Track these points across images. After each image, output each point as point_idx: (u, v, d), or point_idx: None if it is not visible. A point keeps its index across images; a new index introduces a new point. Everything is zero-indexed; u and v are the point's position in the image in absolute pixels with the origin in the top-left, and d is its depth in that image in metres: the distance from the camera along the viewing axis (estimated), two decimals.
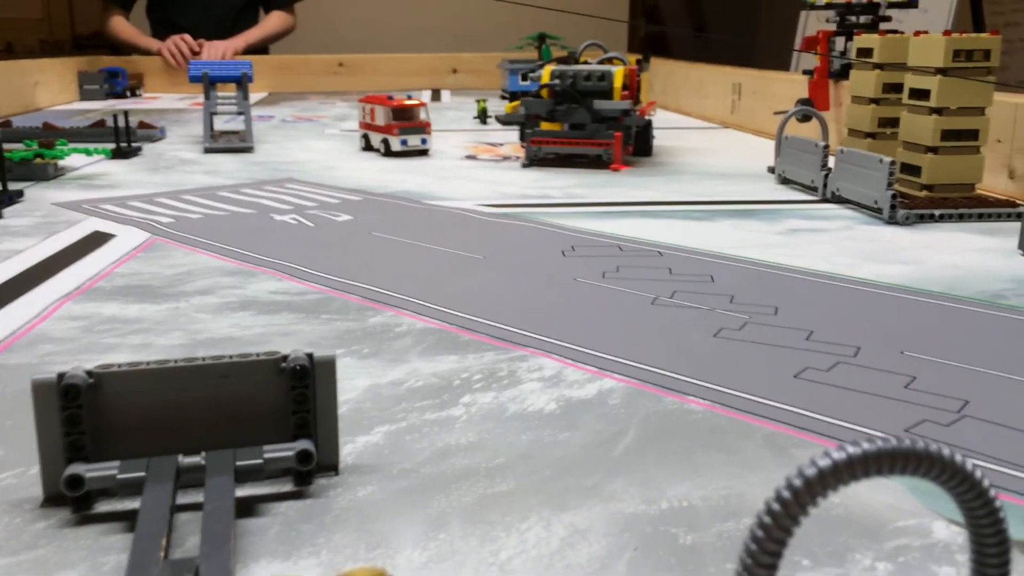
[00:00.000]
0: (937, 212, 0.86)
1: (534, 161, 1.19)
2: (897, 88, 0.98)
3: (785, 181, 1.06)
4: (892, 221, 0.85)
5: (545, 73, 1.19)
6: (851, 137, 1.04)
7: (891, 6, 1.27)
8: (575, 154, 1.19)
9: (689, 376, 0.48)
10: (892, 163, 0.85)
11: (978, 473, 0.19)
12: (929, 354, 0.51)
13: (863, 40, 1.02)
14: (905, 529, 0.34)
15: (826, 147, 0.97)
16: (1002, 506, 0.20)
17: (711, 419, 0.43)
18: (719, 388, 0.47)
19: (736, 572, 0.19)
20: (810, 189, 1.00)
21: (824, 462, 0.18)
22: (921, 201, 0.89)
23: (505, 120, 1.26)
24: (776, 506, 0.18)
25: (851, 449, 0.18)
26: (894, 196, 0.85)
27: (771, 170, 1.12)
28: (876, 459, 0.17)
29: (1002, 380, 0.48)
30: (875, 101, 1.00)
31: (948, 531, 0.33)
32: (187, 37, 2.22)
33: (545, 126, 1.19)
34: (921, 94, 0.91)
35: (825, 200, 0.96)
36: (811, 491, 0.17)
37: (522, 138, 1.23)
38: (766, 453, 0.40)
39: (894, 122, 0.98)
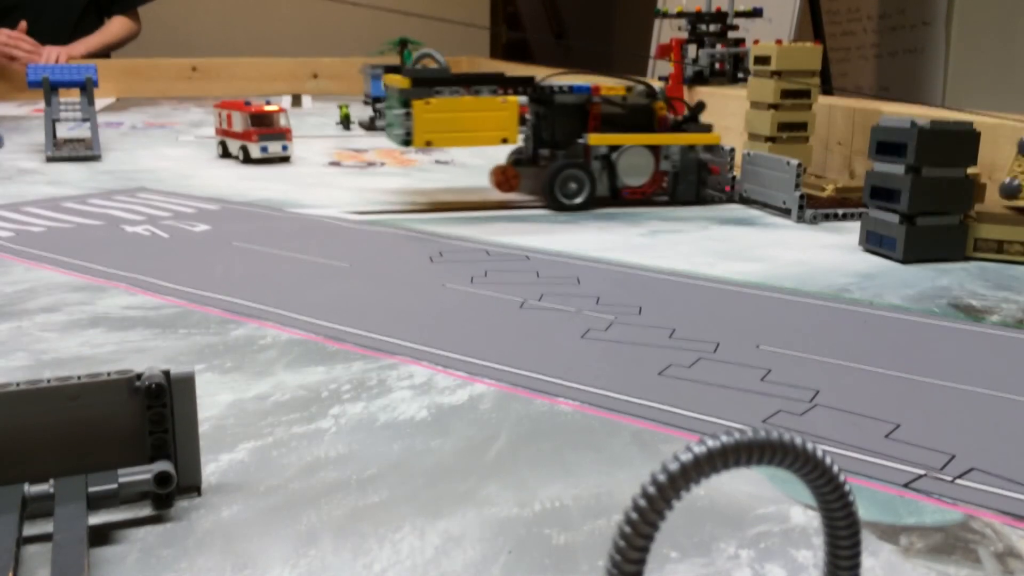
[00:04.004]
0: (840, 211, 0.90)
1: None
2: (793, 94, 1.02)
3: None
4: (800, 221, 0.89)
5: None
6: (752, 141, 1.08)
7: (738, 15, 1.33)
8: None
9: (558, 378, 0.49)
10: (799, 165, 0.89)
11: (828, 459, 0.20)
12: (782, 347, 0.54)
13: (760, 48, 1.04)
14: (765, 516, 0.35)
15: (732, 151, 1.00)
16: (851, 489, 0.21)
17: (580, 419, 0.44)
18: (587, 388, 0.48)
19: (606, 568, 0.19)
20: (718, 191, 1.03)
21: (685, 457, 0.18)
22: (824, 201, 0.94)
23: None
24: (641, 502, 0.18)
25: (709, 443, 0.18)
26: (802, 197, 0.89)
27: None
28: (734, 451, 0.18)
29: (849, 369, 0.51)
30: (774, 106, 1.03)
31: (805, 516, 0.35)
32: (12, 32, 2.07)
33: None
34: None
35: (731, 201, 0.99)
36: (674, 485, 0.18)
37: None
38: (634, 450, 0.41)
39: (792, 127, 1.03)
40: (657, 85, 0.96)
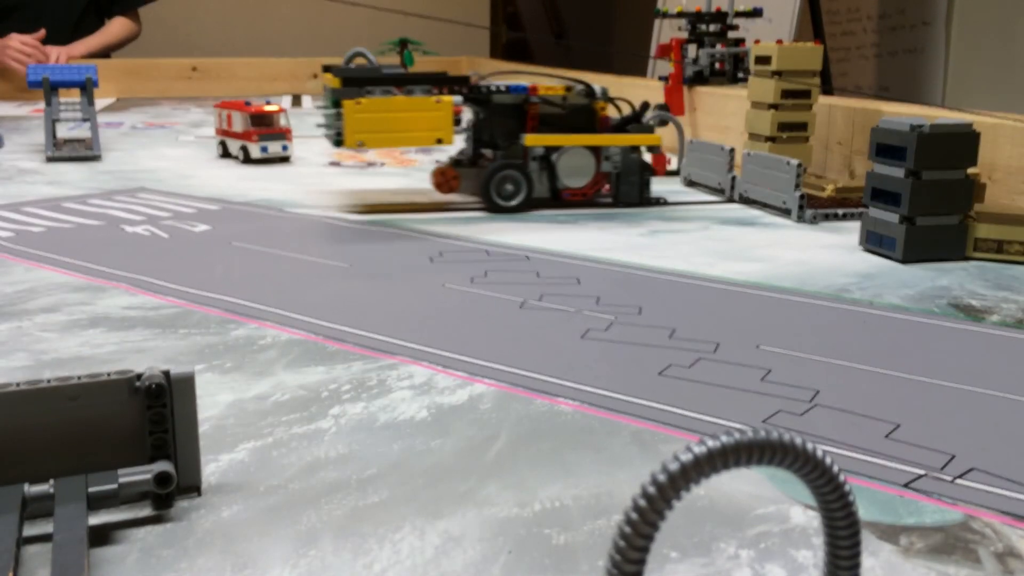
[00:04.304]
0: (840, 211, 0.90)
1: None
2: (793, 94, 1.02)
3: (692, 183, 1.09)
4: (800, 221, 0.89)
5: None
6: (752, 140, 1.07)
7: (738, 15, 1.33)
8: None
9: (558, 378, 0.49)
10: (799, 165, 0.88)
11: (828, 459, 0.20)
12: (782, 347, 0.54)
13: (761, 48, 1.05)
14: (765, 516, 0.35)
15: (732, 151, 1.00)
16: (851, 489, 0.21)
17: (580, 419, 0.44)
18: (587, 388, 0.48)
19: (606, 568, 0.19)
20: (717, 191, 1.03)
21: (685, 457, 0.18)
22: (824, 201, 0.94)
23: None
24: (641, 502, 0.18)
25: (709, 444, 0.18)
26: (802, 197, 0.89)
27: None
28: (734, 452, 0.18)
29: (849, 369, 0.51)
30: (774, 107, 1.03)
31: (805, 516, 0.35)
32: (27, 39, 2.07)
33: None
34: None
35: (731, 201, 0.99)
36: (674, 485, 0.18)
37: None
38: (634, 450, 0.41)
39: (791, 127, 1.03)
40: (599, 87, 0.96)
